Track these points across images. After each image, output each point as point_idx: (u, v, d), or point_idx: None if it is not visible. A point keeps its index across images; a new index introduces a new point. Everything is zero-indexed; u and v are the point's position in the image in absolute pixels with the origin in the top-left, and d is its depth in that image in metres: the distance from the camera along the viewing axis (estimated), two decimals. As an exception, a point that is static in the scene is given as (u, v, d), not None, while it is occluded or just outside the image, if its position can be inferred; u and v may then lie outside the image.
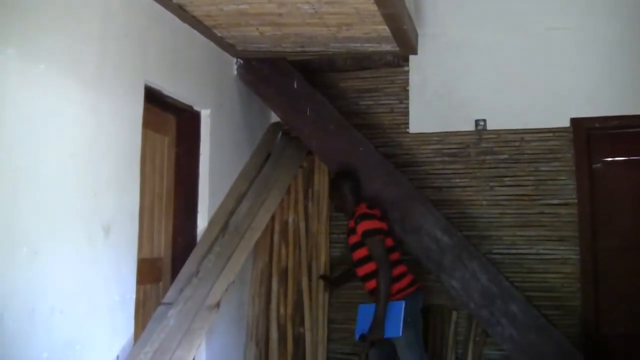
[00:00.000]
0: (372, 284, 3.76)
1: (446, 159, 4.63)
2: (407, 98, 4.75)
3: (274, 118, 4.86)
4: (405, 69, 4.77)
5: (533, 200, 4.42)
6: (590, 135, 4.40)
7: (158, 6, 3.45)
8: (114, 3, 3.10)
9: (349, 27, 3.90)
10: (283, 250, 4.64)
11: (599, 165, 4.41)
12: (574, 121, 4.40)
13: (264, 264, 4.63)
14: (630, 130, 4.36)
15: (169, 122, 3.93)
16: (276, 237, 4.65)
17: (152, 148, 3.68)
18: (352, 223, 3.90)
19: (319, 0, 3.48)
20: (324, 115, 4.41)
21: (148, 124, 3.45)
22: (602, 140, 4.43)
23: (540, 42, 4.53)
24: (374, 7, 3.54)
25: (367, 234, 3.79)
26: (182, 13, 3.61)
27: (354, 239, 3.89)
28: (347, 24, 3.84)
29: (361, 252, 3.84)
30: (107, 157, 3.02)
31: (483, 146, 4.56)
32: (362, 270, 3.87)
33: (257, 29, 3.91)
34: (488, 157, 4.53)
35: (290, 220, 4.68)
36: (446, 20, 4.71)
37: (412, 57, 4.71)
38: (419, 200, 4.21)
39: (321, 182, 4.72)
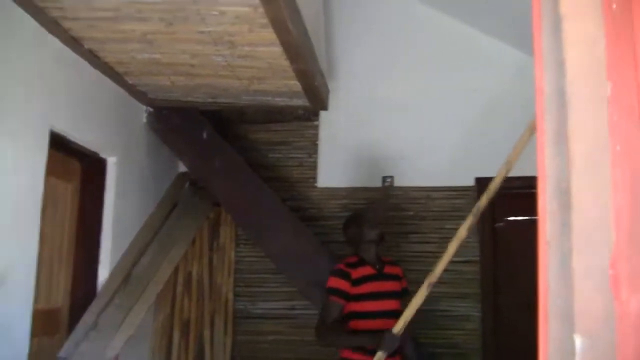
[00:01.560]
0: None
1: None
2: (316, 152, 4.81)
3: (182, 168, 4.81)
4: (315, 123, 4.84)
5: (438, 257, 4.49)
6: (494, 195, 4.54)
7: (68, 50, 3.38)
8: (22, 45, 3.02)
9: (261, 81, 3.93)
10: (186, 303, 4.55)
11: (501, 224, 4.56)
12: (479, 180, 4.55)
13: (166, 316, 4.52)
14: (532, 190, 4.50)
15: (73, 168, 3.82)
16: (179, 289, 4.56)
17: (54, 195, 3.56)
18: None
19: (232, 53, 3.50)
20: (232, 167, 4.40)
21: (52, 170, 3.34)
22: (506, 199, 4.57)
23: (448, 102, 4.68)
24: (287, 63, 3.59)
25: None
26: (93, 59, 3.55)
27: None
28: (259, 78, 3.87)
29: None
30: (5, 204, 2.90)
31: (390, 202, 4.64)
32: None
33: (169, 78, 3.89)
34: (394, 214, 4.62)
35: (194, 272, 4.60)
36: (357, 77, 4.81)
37: (322, 112, 4.78)
38: (325, 256, 4.23)
39: (227, 234, 4.68)
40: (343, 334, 3.32)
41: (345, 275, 3.34)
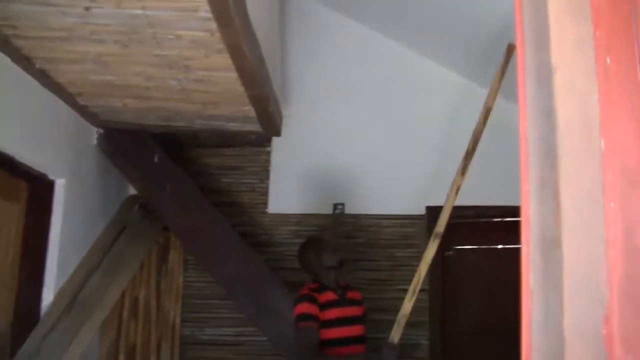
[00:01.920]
0: None
1: (302, 241, 4.65)
2: (268, 178, 4.80)
3: (133, 190, 4.75)
4: (268, 149, 4.84)
5: (388, 285, 4.53)
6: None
7: (18, 69, 3.31)
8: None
9: (215, 106, 3.92)
10: (132, 328, 4.46)
11: (451, 252, 4.60)
12: (430, 209, 4.60)
13: (111, 341, 4.42)
14: (482, 220, 4.61)
15: (20, 189, 3.73)
16: (125, 314, 4.47)
17: (-1, 216, 3.48)
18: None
19: (187, 77, 3.49)
20: (183, 191, 4.36)
21: (-3, 190, 3.27)
22: (456, 228, 4.63)
23: (401, 130, 4.74)
24: (242, 89, 3.59)
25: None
26: (44, 78, 3.49)
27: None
28: (214, 103, 3.87)
29: None
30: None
31: (340, 230, 4.65)
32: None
33: (122, 100, 3.85)
34: (345, 241, 4.62)
35: (142, 296, 4.52)
36: (311, 103, 4.84)
37: (275, 138, 4.78)
38: (276, 282, 4.21)
39: (176, 258, 4.62)
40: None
41: (313, 300, 3.29)
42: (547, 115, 0.76)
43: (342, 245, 4.40)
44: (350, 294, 3.50)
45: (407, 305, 3.26)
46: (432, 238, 3.34)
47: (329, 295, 3.35)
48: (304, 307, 3.26)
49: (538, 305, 0.77)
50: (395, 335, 3.18)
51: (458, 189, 3.45)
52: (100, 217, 4.38)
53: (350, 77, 4.88)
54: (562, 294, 0.75)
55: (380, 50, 4.88)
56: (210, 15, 2.81)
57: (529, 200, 0.77)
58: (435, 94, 4.81)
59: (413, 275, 4.51)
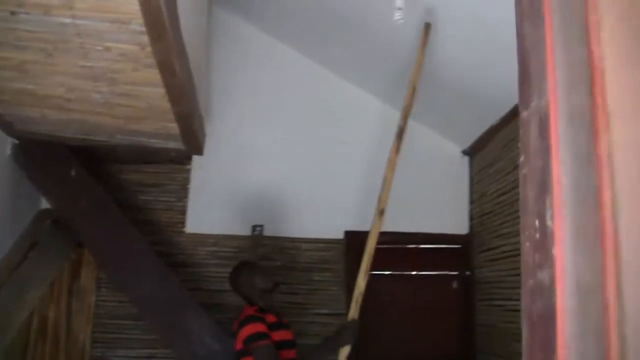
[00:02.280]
0: None
1: (221, 262, 4.61)
2: (186, 196, 4.73)
3: (45, 204, 4.57)
4: (188, 167, 4.77)
5: (305, 309, 4.52)
6: (361, 248, 4.63)
7: None
8: None
9: (138, 121, 3.83)
10: (40, 348, 4.28)
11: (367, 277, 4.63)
12: (348, 234, 4.64)
13: (16, 362, 4.24)
14: (399, 246, 4.68)
15: None
16: (33, 334, 4.28)
17: None
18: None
19: (112, 90, 3.40)
20: (100, 207, 4.23)
21: None
22: (374, 253, 4.68)
23: (322, 154, 4.78)
24: (168, 105, 3.53)
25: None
26: (-43, 83, 3.34)
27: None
28: (137, 118, 3.78)
29: None
30: None
31: (258, 252, 4.62)
32: None
33: (42, 110, 3.70)
34: (263, 264, 4.59)
35: (51, 316, 4.35)
36: (233, 123, 4.81)
37: (195, 156, 4.72)
38: (191, 304, 4.13)
39: (88, 276, 4.48)
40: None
41: (261, 320, 3.22)
42: (587, 160, 0.71)
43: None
44: (284, 319, 3.49)
45: (361, 283, 3.34)
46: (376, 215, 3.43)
47: (271, 318, 3.31)
48: (256, 327, 3.16)
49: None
50: (354, 313, 3.30)
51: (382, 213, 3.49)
52: (9, 232, 4.18)
53: (274, 97, 4.89)
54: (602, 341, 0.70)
55: (304, 72, 4.92)
56: (142, 28, 2.76)
57: (564, 246, 0.71)
58: (357, 118, 4.89)
59: (331, 300, 4.55)
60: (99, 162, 4.67)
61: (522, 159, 0.75)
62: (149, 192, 4.73)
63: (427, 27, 3.39)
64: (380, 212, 3.37)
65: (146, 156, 4.67)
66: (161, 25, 2.70)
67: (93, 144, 4.28)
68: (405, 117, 3.48)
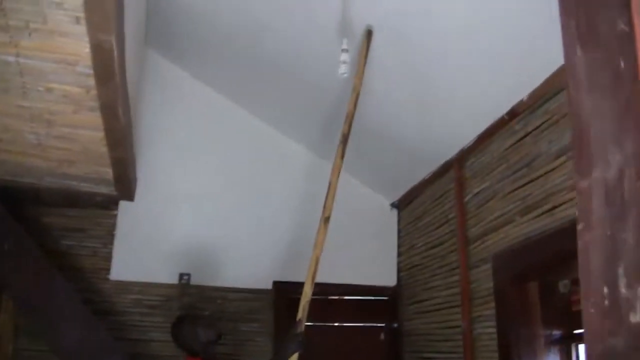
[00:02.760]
0: None
1: (146, 310, 4.49)
2: (112, 243, 4.59)
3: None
4: (114, 212, 4.64)
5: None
6: (290, 300, 4.62)
7: None
8: None
9: (71, 164, 3.72)
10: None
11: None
12: (276, 284, 4.62)
13: None
14: (327, 297, 4.68)
15: None
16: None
17: None
18: None
19: (48, 133, 3.30)
20: (23, 252, 4.04)
21: None
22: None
23: (250, 203, 4.78)
24: (104, 149, 3.46)
25: None
26: None
27: None
28: (70, 161, 3.67)
29: None
30: None
31: (185, 301, 4.53)
32: None
33: (-31, 150, 3.56)
34: (190, 312, 4.50)
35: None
36: (160, 169, 4.73)
37: (122, 202, 4.61)
38: (118, 353, 4.00)
39: (6, 324, 4.24)
40: None
41: None
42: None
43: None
44: None
45: (308, 291, 3.34)
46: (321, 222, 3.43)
47: None
48: None
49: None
50: (302, 321, 3.31)
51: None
52: None
53: (203, 144, 4.85)
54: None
55: (236, 121, 4.93)
56: (89, 71, 2.71)
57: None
58: (287, 169, 4.93)
59: (258, 351, 4.50)
60: (21, 204, 4.48)
61: (581, 226, 0.77)
62: (73, 237, 4.56)
63: (369, 34, 3.42)
64: (326, 220, 3.39)
65: (71, 200, 4.51)
66: (110, 69, 2.66)
67: (18, 185, 4.12)
68: (349, 124, 3.52)
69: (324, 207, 3.46)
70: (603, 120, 0.71)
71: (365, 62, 3.46)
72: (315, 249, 3.41)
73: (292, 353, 3.29)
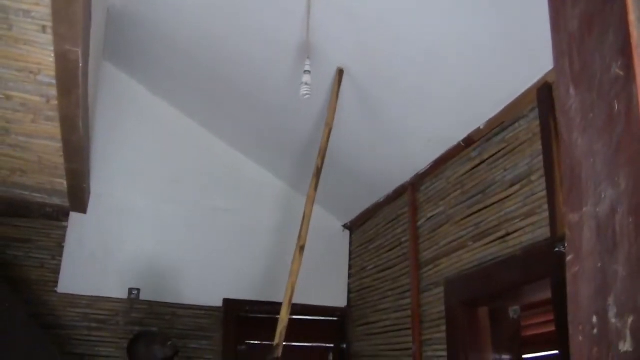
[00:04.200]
0: None
1: (93, 324, 4.41)
2: (60, 255, 4.49)
3: None
4: (64, 224, 4.55)
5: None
6: (240, 317, 4.61)
7: None
8: None
9: (23, 174, 3.67)
10: None
11: (243, 347, 4.60)
12: (227, 302, 4.60)
13: None
14: (277, 316, 4.65)
15: None
16: None
17: None
18: None
19: (3, 140, 3.26)
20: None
21: None
22: (251, 323, 4.67)
23: (203, 220, 4.76)
24: (60, 160, 3.42)
25: None
26: None
27: None
28: (23, 171, 3.62)
29: None
30: None
31: (133, 316, 4.47)
32: None
33: None
34: (137, 328, 4.43)
35: None
36: (112, 183, 4.67)
37: (73, 214, 4.53)
38: (64, 368, 3.92)
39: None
40: None
41: None
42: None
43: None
44: None
45: (285, 317, 3.36)
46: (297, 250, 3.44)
47: None
48: None
49: None
50: (280, 346, 3.31)
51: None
52: None
53: (156, 159, 4.82)
54: None
55: (188, 136, 4.92)
56: (51, 80, 2.70)
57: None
58: (238, 186, 4.95)
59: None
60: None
61: (570, 257, 0.81)
62: (20, 248, 4.45)
63: (340, 73, 3.47)
64: (301, 248, 3.42)
65: (18, 209, 4.41)
66: (74, 80, 2.64)
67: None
68: (322, 157, 3.56)
69: (299, 236, 3.48)
70: (596, 157, 0.75)
71: (337, 99, 3.51)
72: (291, 276, 3.43)
73: None
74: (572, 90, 0.80)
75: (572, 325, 0.81)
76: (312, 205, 3.55)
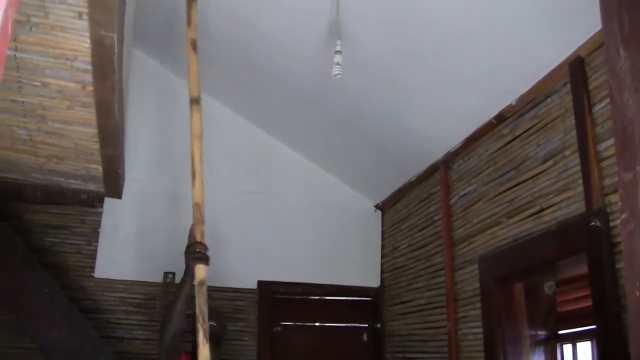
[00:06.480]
0: None
1: (130, 308, 4.49)
2: (96, 240, 4.57)
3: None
4: (99, 210, 4.63)
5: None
6: (274, 299, 4.65)
7: None
8: None
9: (59, 161, 3.71)
10: None
11: (279, 328, 4.65)
12: (261, 284, 4.64)
13: None
14: (311, 297, 4.72)
15: None
16: None
17: None
18: None
19: (39, 128, 3.28)
20: (8, 249, 4.02)
21: None
22: (285, 304, 4.71)
23: (235, 203, 4.80)
24: (96, 146, 3.45)
25: None
26: None
27: None
28: (59, 158, 3.65)
29: None
30: None
31: (169, 299, 4.52)
32: None
33: (-44, 144, 3.53)
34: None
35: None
36: (145, 168, 4.74)
37: (107, 199, 4.60)
38: (103, 352, 3.99)
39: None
40: None
41: None
42: None
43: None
44: None
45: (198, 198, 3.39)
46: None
47: None
48: None
49: None
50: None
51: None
52: None
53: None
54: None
55: (223, 121, 4.94)
56: (87, 66, 2.72)
57: None
58: (273, 170, 4.95)
59: (243, 350, 4.52)
60: (3, 201, 4.44)
61: (624, 216, 0.81)
62: (56, 234, 4.53)
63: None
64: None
65: (54, 197, 4.48)
66: (110, 66, 2.66)
67: (4, 182, 4.10)
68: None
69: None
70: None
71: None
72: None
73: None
74: (622, 52, 0.80)
75: (628, 281, 0.81)
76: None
